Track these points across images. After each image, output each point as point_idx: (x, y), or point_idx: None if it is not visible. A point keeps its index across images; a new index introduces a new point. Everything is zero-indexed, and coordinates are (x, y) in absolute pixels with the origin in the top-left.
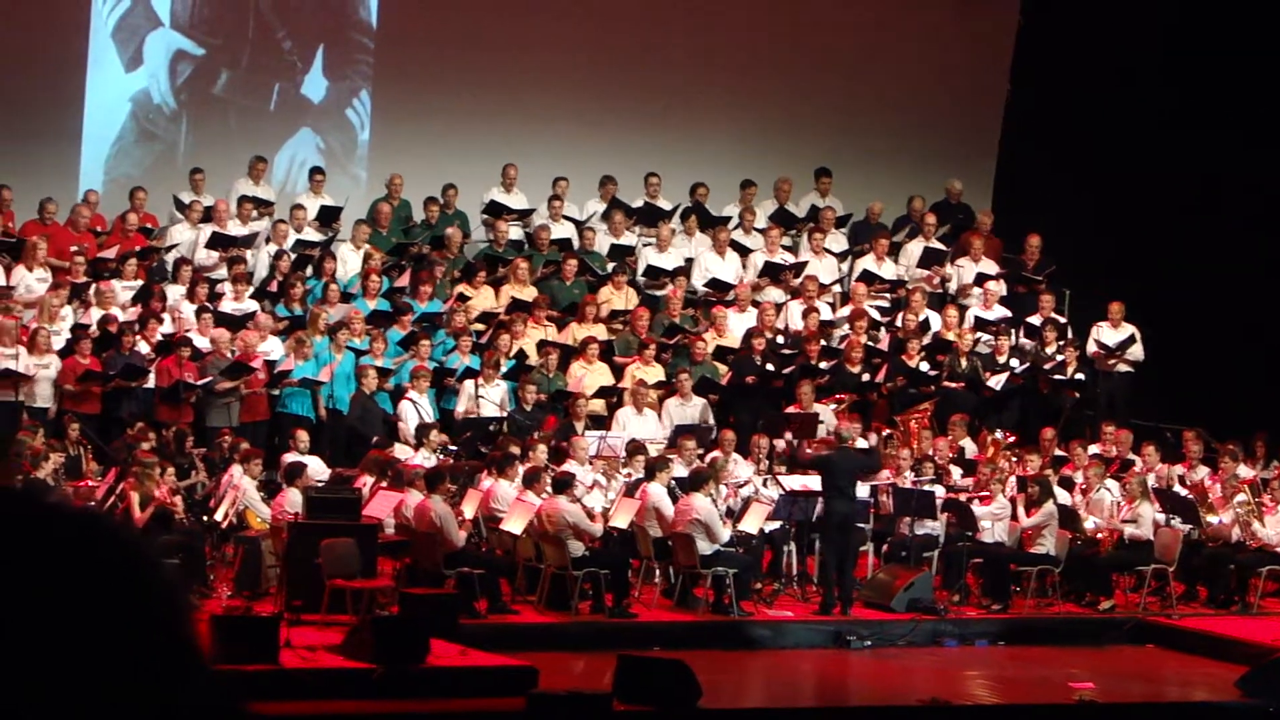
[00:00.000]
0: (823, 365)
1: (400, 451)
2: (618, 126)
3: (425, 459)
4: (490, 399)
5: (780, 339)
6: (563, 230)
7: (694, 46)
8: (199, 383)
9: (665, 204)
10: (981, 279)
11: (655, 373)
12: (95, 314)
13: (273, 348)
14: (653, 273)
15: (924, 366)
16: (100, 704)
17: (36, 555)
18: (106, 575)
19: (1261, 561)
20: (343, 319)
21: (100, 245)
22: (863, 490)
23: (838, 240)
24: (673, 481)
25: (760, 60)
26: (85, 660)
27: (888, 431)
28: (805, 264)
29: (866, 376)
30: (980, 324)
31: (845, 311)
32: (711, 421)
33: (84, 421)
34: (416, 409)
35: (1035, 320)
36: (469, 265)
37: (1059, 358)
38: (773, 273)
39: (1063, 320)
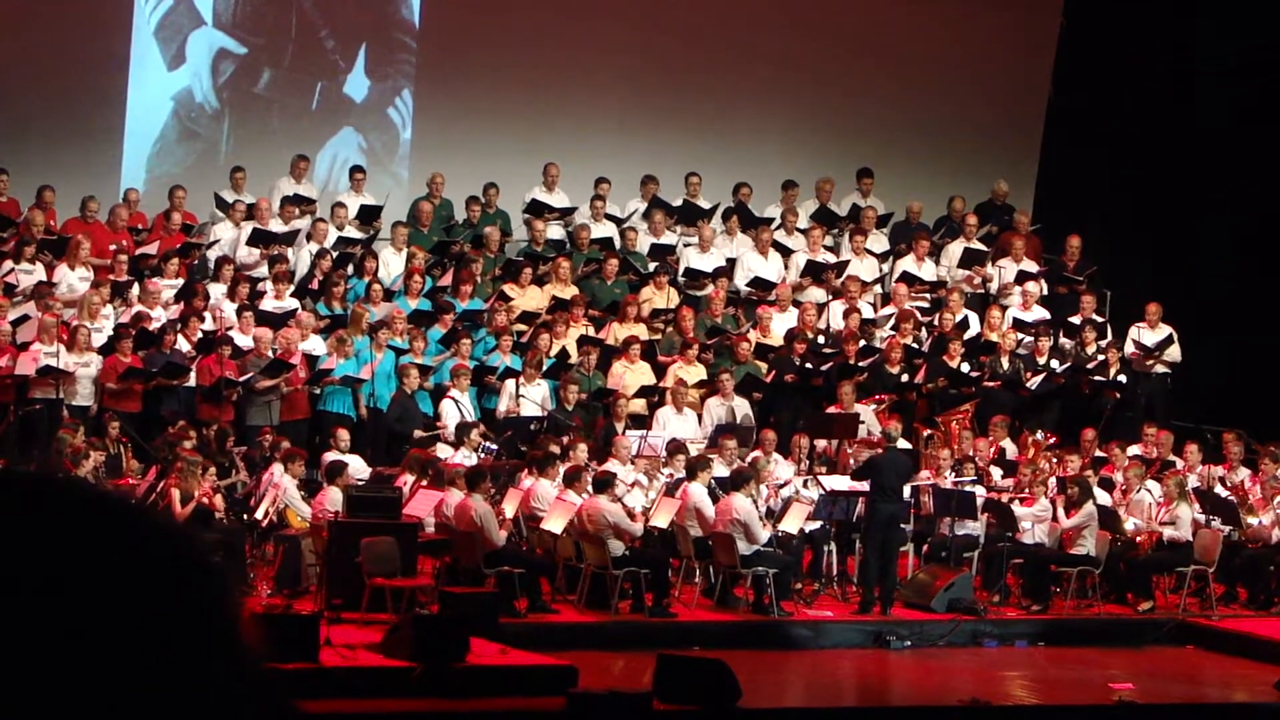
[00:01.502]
0: (861, 365)
1: (441, 450)
2: (659, 126)
3: (466, 458)
4: (531, 398)
5: (821, 339)
6: (603, 229)
7: (735, 46)
8: (239, 380)
9: (705, 203)
10: (1022, 278)
11: (697, 372)
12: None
13: (314, 346)
14: (693, 274)
15: (964, 367)
16: (148, 695)
17: (81, 543)
18: (154, 565)
19: None
20: (384, 318)
21: (140, 243)
22: (904, 490)
23: (879, 240)
24: (713, 481)
25: (802, 60)
26: (132, 651)
27: (928, 432)
28: (847, 263)
29: (906, 377)
30: (1018, 324)
31: (887, 311)
32: (752, 422)
33: (124, 420)
34: (458, 407)
35: (1076, 320)
36: (510, 264)
37: (1100, 358)
38: (814, 272)
39: (1101, 320)
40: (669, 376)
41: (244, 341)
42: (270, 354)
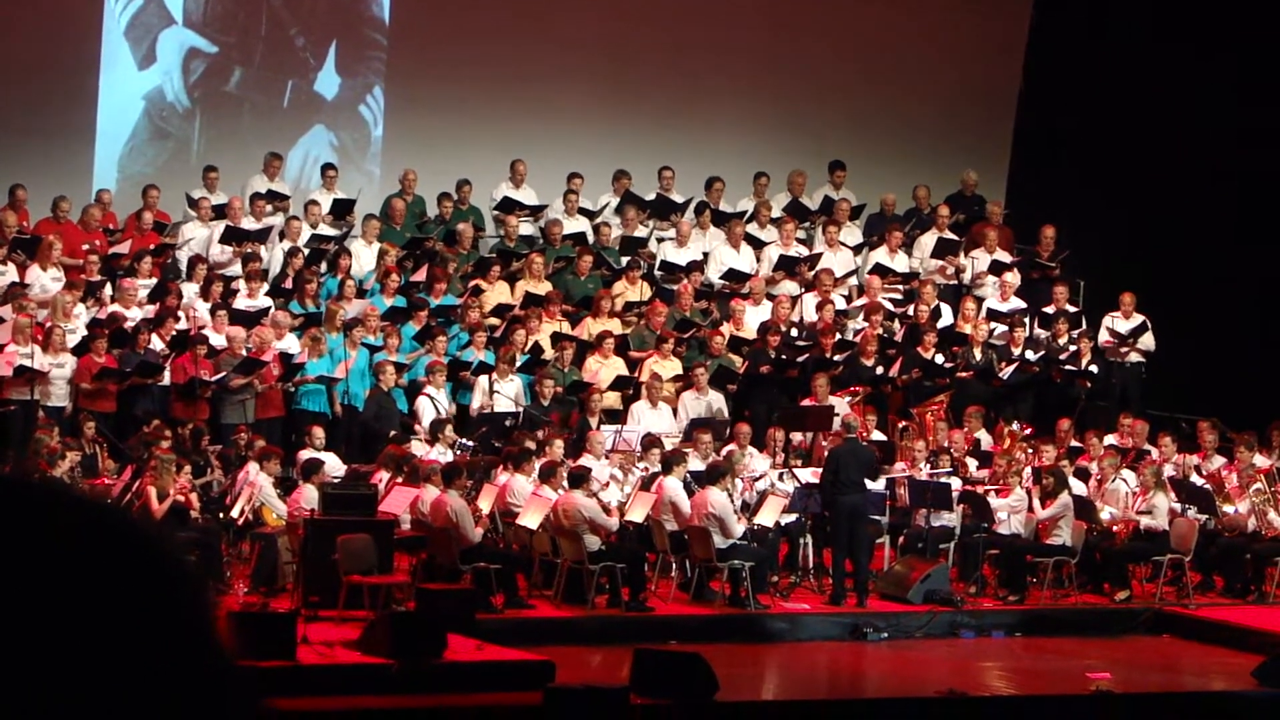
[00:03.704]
0: (836, 358)
1: (416, 447)
2: (631, 120)
3: (441, 454)
4: (505, 394)
5: (795, 332)
6: (576, 225)
7: (707, 39)
8: (214, 379)
9: (678, 197)
10: (996, 269)
11: (672, 366)
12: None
13: (289, 344)
14: (668, 268)
15: (939, 359)
16: (121, 697)
17: (57, 546)
18: (127, 567)
19: (1277, 551)
20: (358, 315)
21: (113, 243)
22: (879, 483)
23: (852, 233)
24: (688, 475)
25: (774, 53)
26: (106, 652)
27: (903, 424)
28: (820, 256)
29: (881, 369)
30: (993, 315)
31: (860, 304)
32: (727, 415)
33: (99, 419)
34: (434, 404)
35: (1051, 310)
36: (482, 260)
37: (1072, 348)
38: (787, 266)
39: (1074, 310)
40: (644, 371)
41: (218, 340)
42: (244, 353)
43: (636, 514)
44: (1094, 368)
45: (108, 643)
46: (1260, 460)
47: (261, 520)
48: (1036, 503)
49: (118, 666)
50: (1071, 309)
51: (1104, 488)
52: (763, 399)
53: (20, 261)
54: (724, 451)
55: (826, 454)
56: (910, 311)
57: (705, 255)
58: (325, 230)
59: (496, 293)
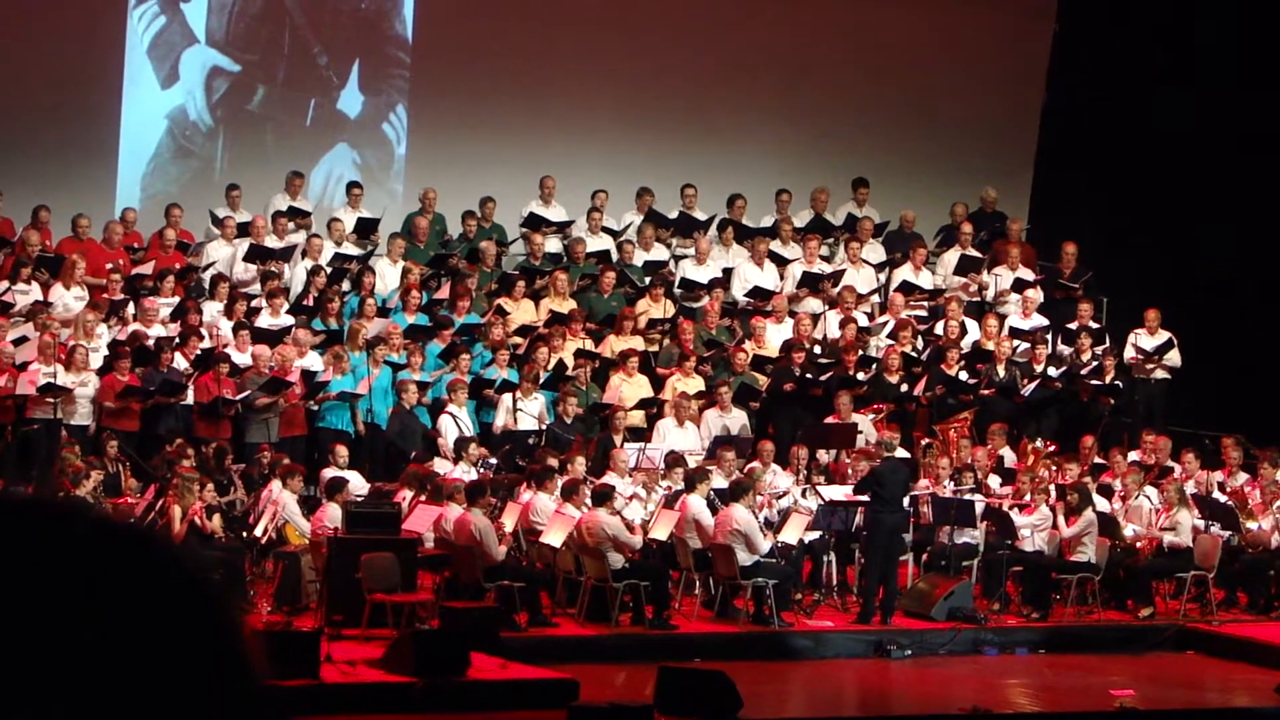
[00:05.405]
0: (860, 375)
1: (439, 465)
2: (653, 138)
3: (464, 472)
4: (529, 412)
5: (818, 349)
6: (600, 242)
7: (730, 57)
8: (237, 398)
9: (701, 215)
10: (1019, 286)
11: (696, 384)
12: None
13: (311, 362)
14: (688, 285)
15: (963, 376)
16: (151, 714)
17: (82, 568)
18: (154, 587)
19: None
20: (380, 333)
21: (136, 262)
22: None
23: (875, 250)
24: (712, 493)
25: (797, 71)
26: (135, 673)
27: (927, 441)
28: (843, 273)
29: (905, 387)
30: (1015, 332)
31: (883, 320)
32: (750, 433)
33: (122, 438)
34: (456, 422)
35: (1073, 327)
36: (505, 277)
37: (1094, 364)
38: (811, 283)
39: (1096, 327)
40: (668, 389)
41: (241, 359)
42: (267, 371)
43: (660, 532)
44: (1119, 384)
45: (136, 663)
46: None
47: (285, 539)
48: (1061, 520)
49: (147, 687)
50: (1094, 325)
51: (1127, 504)
52: (786, 416)
53: (43, 280)
54: (747, 469)
55: (868, 474)
56: (938, 329)
57: (726, 272)
58: (349, 249)
59: (521, 311)
